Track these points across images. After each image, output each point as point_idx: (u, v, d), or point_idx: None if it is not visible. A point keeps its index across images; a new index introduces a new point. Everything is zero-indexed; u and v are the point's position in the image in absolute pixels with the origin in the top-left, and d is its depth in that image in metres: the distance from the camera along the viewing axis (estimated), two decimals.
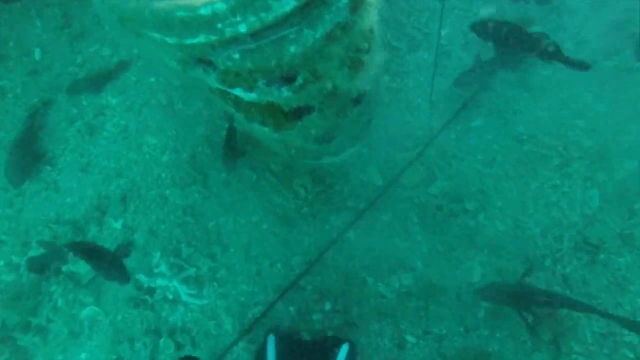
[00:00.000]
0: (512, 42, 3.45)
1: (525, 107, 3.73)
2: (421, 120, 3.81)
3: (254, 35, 1.86)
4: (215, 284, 3.62)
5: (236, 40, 1.85)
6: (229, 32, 1.78)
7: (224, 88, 2.49)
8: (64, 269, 3.80)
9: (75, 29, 4.47)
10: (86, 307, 3.65)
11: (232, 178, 3.83)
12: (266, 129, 3.04)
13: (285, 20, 1.86)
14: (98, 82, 4.34)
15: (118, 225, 4.00)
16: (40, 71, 4.46)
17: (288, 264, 3.59)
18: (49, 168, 4.35)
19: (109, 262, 3.26)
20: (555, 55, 3.31)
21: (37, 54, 4.47)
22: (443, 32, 4.07)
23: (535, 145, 3.60)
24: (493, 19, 3.63)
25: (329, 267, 3.55)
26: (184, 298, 3.57)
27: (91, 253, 3.35)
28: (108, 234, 4.00)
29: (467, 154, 3.68)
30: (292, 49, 2.04)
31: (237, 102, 2.68)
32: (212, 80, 2.41)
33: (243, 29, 1.78)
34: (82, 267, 3.85)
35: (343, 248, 3.60)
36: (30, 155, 4.27)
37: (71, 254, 3.75)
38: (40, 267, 3.86)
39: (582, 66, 3.26)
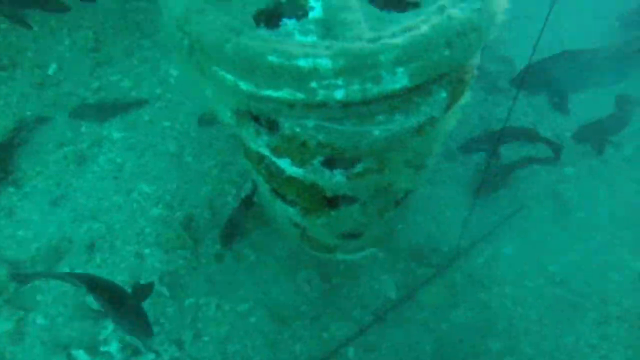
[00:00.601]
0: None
1: (559, 245, 3.47)
2: (448, 236, 3.47)
3: (346, 106, 1.53)
4: None
5: (324, 106, 1.51)
6: (321, 95, 1.45)
7: (267, 154, 2.11)
8: None
9: (102, 55, 4.16)
10: None
11: (228, 254, 3.27)
12: (292, 210, 2.62)
13: (385, 99, 1.56)
14: (106, 111, 3.91)
15: None
16: (48, 86, 4.02)
17: None
18: (11, 190, 3.70)
19: (129, 307, 2.48)
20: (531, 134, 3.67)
21: (52, 69, 4.07)
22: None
23: (569, 292, 3.27)
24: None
25: None
26: None
27: (106, 292, 2.52)
28: (53, 286, 3.25)
29: (495, 284, 3.30)
30: (376, 133, 1.72)
31: (275, 173, 2.28)
32: (259, 143, 2.03)
33: (339, 95, 1.45)
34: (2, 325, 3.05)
35: None
36: None
37: None
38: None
39: (555, 148, 3.60)
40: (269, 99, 1.53)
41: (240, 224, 3.22)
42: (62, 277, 2.89)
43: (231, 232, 3.23)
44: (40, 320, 3.15)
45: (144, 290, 2.71)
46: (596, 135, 3.68)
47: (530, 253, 3.42)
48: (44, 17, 4.25)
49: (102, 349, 2.91)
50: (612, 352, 2.97)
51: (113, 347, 2.90)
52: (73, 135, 3.84)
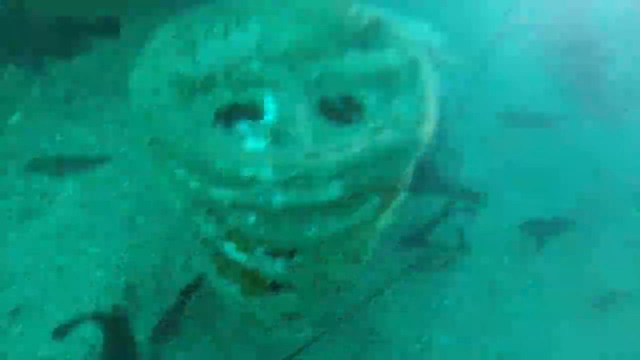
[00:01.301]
0: None
1: (491, 336, 3.57)
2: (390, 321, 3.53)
3: (284, 209, 1.68)
4: None
5: (263, 208, 1.66)
6: (260, 199, 1.60)
7: (214, 238, 2.20)
8: None
9: (72, 108, 4.21)
10: None
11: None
12: (233, 289, 2.65)
13: (320, 206, 1.72)
14: (65, 165, 3.89)
15: None
16: (7, 134, 4.01)
17: None
18: None
19: None
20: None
21: (15, 117, 4.08)
22: None
23: None
24: None
25: None
26: None
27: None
28: None
29: None
30: (311, 233, 1.86)
31: (219, 255, 2.35)
32: (208, 229, 2.13)
33: (277, 201, 1.61)
34: None
35: None
36: None
37: None
38: None
39: (474, 197, 3.63)
40: (215, 197, 1.66)
41: (176, 322, 3.12)
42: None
43: (166, 330, 3.12)
44: None
45: None
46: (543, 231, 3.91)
47: (463, 343, 3.49)
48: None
49: None
50: None
51: None
52: (23, 188, 3.77)
